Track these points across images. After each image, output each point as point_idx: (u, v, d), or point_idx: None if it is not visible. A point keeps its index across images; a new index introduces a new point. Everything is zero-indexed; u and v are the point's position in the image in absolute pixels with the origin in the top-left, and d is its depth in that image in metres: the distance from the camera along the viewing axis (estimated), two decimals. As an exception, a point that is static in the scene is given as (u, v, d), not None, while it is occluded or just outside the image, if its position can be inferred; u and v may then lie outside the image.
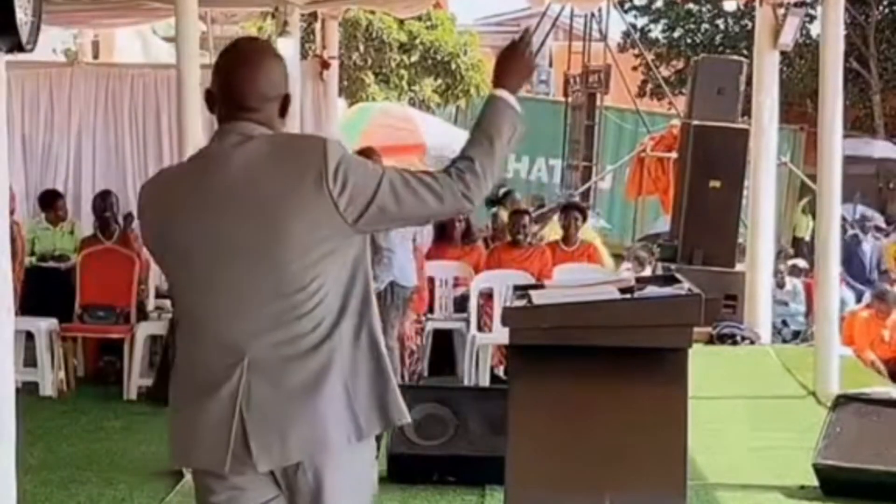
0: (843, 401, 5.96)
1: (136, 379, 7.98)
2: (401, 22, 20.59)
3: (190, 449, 2.93)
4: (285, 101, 2.89)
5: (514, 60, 2.99)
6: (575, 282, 5.99)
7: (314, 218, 2.75)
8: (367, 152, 5.87)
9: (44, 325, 7.94)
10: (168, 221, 2.89)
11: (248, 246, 2.78)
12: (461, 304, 8.84)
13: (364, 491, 2.95)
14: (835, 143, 7.85)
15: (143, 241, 3.07)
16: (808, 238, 16.51)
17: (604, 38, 22.21)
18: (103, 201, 9.27)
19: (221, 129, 2.88)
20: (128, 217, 9.65)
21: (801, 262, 13.93)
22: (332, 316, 2.80)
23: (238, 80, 2.85)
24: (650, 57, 26.96)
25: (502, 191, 13.38)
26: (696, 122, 11.03)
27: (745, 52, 18.24)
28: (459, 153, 2.91)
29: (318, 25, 11.02)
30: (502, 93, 2.93)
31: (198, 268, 2.86)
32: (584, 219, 10.41)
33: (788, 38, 10.17)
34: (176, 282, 3.00)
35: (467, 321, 8.49)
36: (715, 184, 10.79)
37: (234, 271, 2.81)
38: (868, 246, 14.81)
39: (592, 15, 21.63)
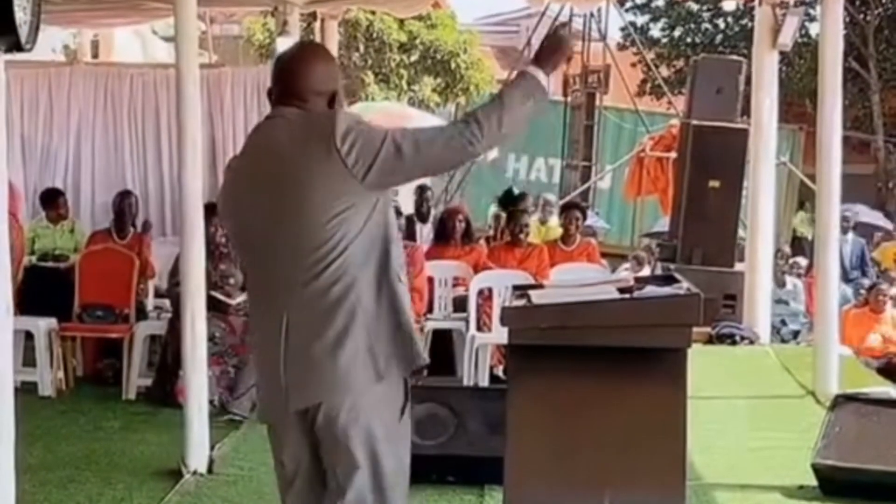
0: (841, 400, 5.96)
1: (135, 379, 7.97)
2: (401, 22, 20.61)
3: (260, 403, 3.44)
4: (332, 97, 3.24)
5: (549, 41, 3.30)
6: (574, 281, 5.99)
7: (330, 178, 3.09)
8: None
9: (43, 325, 7.93)
10: (225, 207, 3.41)
11: (279, 211, 3.16)
12: (461, 304, 8.83)
13: (387, 434, 3.19)
14: (834, 142, 7.84)
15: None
16: (810, 237, 16.48)
17: (603, 37, 22.23)
18: (121, 201, 9.27)
19: (269, 113, 3.30)
20: (145, 224, 9.59)
21: (801, 260, 13.91)
22: (355, 269, 3.12)
23: (287, 74, 3.26)
24: (650, 56, 26.97)
25: (517, 191, 13.36)
26: (695, 122, 11.03)
27: (744, 51, 18.24)
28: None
29: (317, 25, 11.01)
30: (527, 66, 3.26)
31: (247, 240, 3.31)
32: (585, 218, 10.42)
33: (788, 37, 10.16)
34: (240, 257, 3.52)
35: (466, 321, 8.49)
36: (714, 183, 10.79)
37: (272, 236, 3.19)
38: (847, 246, 14.74)
39: (592, 15, 21.64)
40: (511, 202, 12.46)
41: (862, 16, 25.70)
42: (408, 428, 3.32)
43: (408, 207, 11.03)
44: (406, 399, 3.27)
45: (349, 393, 3.13)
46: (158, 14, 10.19)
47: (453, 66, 22.09)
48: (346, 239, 3.10)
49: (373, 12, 19.70)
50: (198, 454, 6.04)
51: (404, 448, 3.29)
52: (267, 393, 3.31)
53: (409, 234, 10.39)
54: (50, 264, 9.14)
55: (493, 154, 17.12)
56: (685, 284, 4.22)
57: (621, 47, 26.39)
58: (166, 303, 8.36)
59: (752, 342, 10.10)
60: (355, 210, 3.11)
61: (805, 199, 19.37)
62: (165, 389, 7.62)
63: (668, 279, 4.59)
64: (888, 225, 18.91)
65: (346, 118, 3.14)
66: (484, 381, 8.06)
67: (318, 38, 11.24)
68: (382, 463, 3.19)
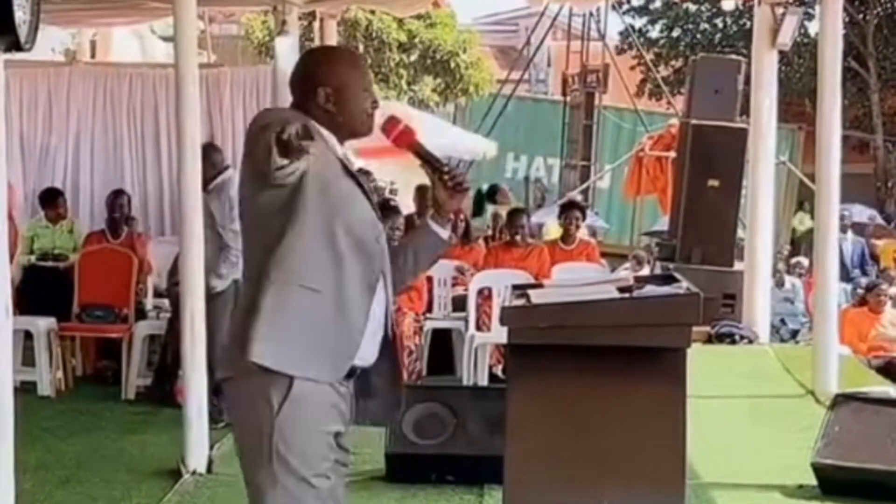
0: (841, 400, 5.95)
1: (135, 379, 7.97)
2: (400, 21, 20.61)
3: None
4: (315, 92, 3.32)
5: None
6: (574, 281, 5.99)
7: (250, 170, 3.21)
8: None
9: (42, 325, 7.93)
10: None
11: None
12: (460, 303, 8.83)
13: (253, 426, 3.13)
14: (833, 141, 7.84)
15: None
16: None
17: (602, 37, 22.24)
18: (113, 200, 9.27)
19: None
20: (128, 220, 9.59)
21: (804, 260, 13.91)
22: (251, 261, 3.24)
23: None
24: (649, 56, 26.96)
25: (486, 186, 13.32)
26: (694, 122, 11.02)
27: (743, 51, 18.24)
28: None
29: (316, 24, 11.01)
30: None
31: None
32: (584, 217, 10.42)
33: (787, 37, 10.15)
34: None
35: (466, 321, 8.49)
36: (713, 183, 10.78)
37: None
38: (848, 245, 14.71)
39: (591, 14, 21.66)
40: (490, 198, 12.45)
41: (861, 15, 25.69)
42: (298, 436, 3.11)
43: (407, 206, 11.04)
44: (284, 399, 3.10)
45: (227, 380, 3.24)
46: (157, 13, 10.18)
47: (453, 65, 22.11)
48: (250, 231, 3.26)
49: (372, 11, 19.71)
50: (197, 454, 6.03)
51: (290, 454, 3.10)
52: None
53: (409, 234, 10.38)
54: (49, 264, 9.14)
55: (491, 153, 17.12)
56: (685, 284, 4.22)
57: (620, 51, 26.38)
58: (165, 302, 8.35)
59: (751, 341, 10.09)
60: (264, 204, 3.18)
61: (804, 198, 19.37)
62: (165, 389, 7.61)
63: (667, 278, 4.59)
64: (881, 221, 18.96)
65: (269, 116, 3.26)
66: (483, 381, 8.06)
67: (316, 38, 11.26)
68: (244, 464, 3.20)
